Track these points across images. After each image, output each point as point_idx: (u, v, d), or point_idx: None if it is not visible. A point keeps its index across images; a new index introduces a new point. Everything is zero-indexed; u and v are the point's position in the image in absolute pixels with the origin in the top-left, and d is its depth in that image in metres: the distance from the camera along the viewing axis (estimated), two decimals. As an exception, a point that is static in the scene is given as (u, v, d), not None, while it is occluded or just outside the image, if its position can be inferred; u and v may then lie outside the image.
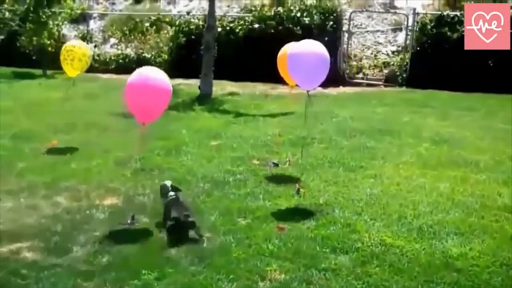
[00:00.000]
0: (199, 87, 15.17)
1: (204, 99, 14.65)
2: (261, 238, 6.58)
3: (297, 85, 8.62)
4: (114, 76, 18.06)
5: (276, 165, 9.21)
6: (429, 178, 8.62)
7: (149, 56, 20.53)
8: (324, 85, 14.19)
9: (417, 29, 17.85)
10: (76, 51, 10.29)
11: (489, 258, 6.13)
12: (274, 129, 11.46)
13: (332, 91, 15.98)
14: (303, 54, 7.74)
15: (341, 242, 6.47)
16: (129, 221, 6.91)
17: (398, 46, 19.48)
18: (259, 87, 16.37)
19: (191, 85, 15.96)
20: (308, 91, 8.19)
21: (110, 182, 8.38)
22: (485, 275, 5.81)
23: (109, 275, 5.76)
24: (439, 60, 16.59)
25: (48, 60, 18.95)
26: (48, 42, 19.77)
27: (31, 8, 19.47)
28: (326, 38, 15.75)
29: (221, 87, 15.89)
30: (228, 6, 22.15)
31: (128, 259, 6.11)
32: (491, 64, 15.62)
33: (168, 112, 12.79)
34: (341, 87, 17.05)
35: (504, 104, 13.80)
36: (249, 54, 17.61)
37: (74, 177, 8.61)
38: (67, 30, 22.95)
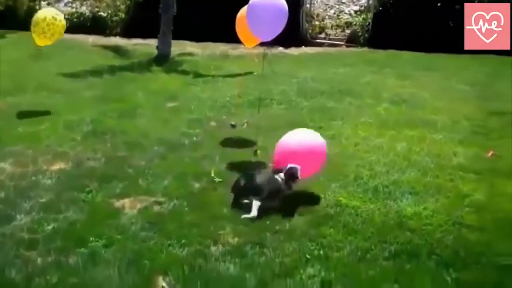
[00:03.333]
0: (157, 47, 14.77)
1: (162, 59, 14.28)
2: (215, 201, 6.47)
3: (257, 44, 8.43)
4: (67, 35, 17.54)
5: (234, 126, 9.07)
6: (387, 138, 8.57)
7: (105, 15, 19.70)
8: (286, 45, 14.08)
9: (380, -11, 17.63)
10: (57, 25, 9.64)
11: (442, 217, 6.13)
12: (233, 90, 11.26)
13: (293, 51, 15.80)
14: (262, 5, 7.56)
15: (296, 204, 6.39)
16: None
17: (361, 6, 19.29)
18: (220, 47, 16.08)
19: (149, 45, 15.59)
20: (265, 48, 7.97)
21: (59, 146, 8.10)
22: (438, 234, 5.81)
23: (54, 244, 5.60)
24: (401, 21, 16.44)
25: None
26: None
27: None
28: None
29: (181, 48, 15.55)
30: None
31: (74, 226, 5.94)
32: (451, 25, 15.54)
33: (123, 73, 12.66)
34: (303, 47, 16.84)
35: (463, 64, 13.77)
36: (211, 13, 17.21)
37: (20, 141, 8.24)
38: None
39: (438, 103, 10.40)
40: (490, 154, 7.86)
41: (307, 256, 5.41)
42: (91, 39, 16.91)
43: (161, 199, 6.54)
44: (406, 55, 15.18)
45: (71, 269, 5.20)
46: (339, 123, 9.32)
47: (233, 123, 9.16)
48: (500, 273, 5.11)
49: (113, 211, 6.27)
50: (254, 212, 6.13)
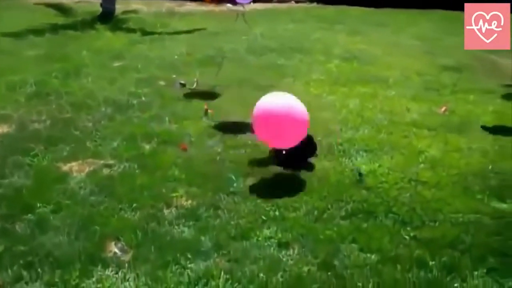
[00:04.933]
0: (101, 5, 14.28)
1: (106, 17, 13.81)
2: (167, 163, 6.29)
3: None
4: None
5: (184, 85, 8.84)
6: (339, 95, 8.50)
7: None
8: (234, 1, 13.85)
9: None
10: None
11: (397, 175, 6.07)
12: (181, 48, 11.01)
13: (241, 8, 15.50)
14: None
15: (250, 165, 6.26)
16: None
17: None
18: (166, 4, 15.70)
19: (93, 2, 15.09)
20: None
21: (1, 108, 7.73)
22: (394, 191, 5.75)
23: (-1, 210, 5.34)
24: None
25: None
26: None
27: None
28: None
29: (125, 5, 15.08)
30: None
31: (20, 192, 5.66)
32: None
33: (66, 31, 12.23)
34: (251, 3, 16.56)
35: (412, 19, 13.78)
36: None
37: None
38: None
39: (389, 59, 10.38)
40: (443, 109, 7.86)
41: (263, 217, 5.29)
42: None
43: (111, 162, 6.31)
44: (355, 10, 15.10)
45: (18, 237, 4.95)
46: (291, 80, 9.19)
47: (182, 82, 8.92)
48: (457, 230, 5.08)
49: (61, 175, 6.01)
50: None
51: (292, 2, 17.33)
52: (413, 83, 9.13)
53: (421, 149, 6.66)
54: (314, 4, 16.56)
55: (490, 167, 6.23)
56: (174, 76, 9.22)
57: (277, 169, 6.19)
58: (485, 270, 4.56)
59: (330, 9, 15.51)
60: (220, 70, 8.97)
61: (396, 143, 6.83)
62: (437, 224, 5.21)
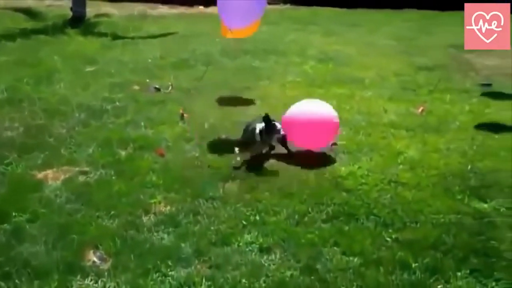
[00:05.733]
0: (71, 8, 14.11)
1: (77, 21, 13.66)
2: (144, 169, 6.18)
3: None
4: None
5: (158, 89, 8.74)
6: (316, 97, 8.38)
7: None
8: (207, 4, 13.76)
9: None
10: None
11: (377, 176, 6.05)
12: (155, 52, 10.92)
13: (214, 10, 15.37)
14: None
15: (229, 168, 6.18)
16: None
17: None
18: (138, 7, 15.57)
19: (63, 6, 14.90)
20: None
21: (-29, 116, 7.58)
22: (374, 193, 5.72)
23: (-28, 221, 5.19)
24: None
25: None
26: None
27: None
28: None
29: (96, 8, 14.93)
30: None
31: (-6, 201, 5.54)
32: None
33: (37, 36, 12.04)
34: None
35: (386, 19, 13.83)
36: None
37: None
38: None
39: (365, 59, 10.39)
40: (420, 110, 7.86)
41: (244, 222, 5.22)
42: (1, 1, 16.00)
43: (86, 169, 6.19)
44: (328, 11, 15.12)
45: (-6, 247, 4.84)
46: (266, 82, 9.14)
47: (157, 86, 8.82)
48: (439, 231, 5.06)
49: (36, 184, 5.88)
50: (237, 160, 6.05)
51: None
52: (389, 83, 9.14)
53: (400, 150, 6.64)
54: (288, 6, 16.53)
55: (469, 167, 6.23)
56: (148, 80, 9.11)
57: (257, 172, 6.12)
58: (468, 271, 4.55)
59: (303, 10, 15.51)
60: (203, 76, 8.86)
61: (375, 144, 6.81)
62: (418, 225, 5.18)
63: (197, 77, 9.19)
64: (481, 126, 7.37)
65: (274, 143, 6.49)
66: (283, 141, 6.44)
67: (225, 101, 8.22)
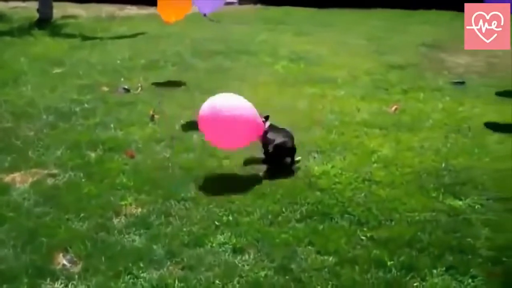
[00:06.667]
0: (38, 10, 13.86)
1: (44, 23, 13.40)
2: (114, 171, 6.08)
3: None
4: None
5: (128, 91, 8.62)
6: (288, 97, 8.41)
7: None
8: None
9: None
10: None
11: (351, 175, 6.01)
12: (124, 53, 10.76)
13: (184, 11, 15.31)
14: None
15: (200, 169, 6.10)
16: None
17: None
18: (105, 8, 15.37)
19: (29, 8, 14.66)
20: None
21: None
22: (348, 192, 5.67)
23: None
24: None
25: None
26: None
27: None
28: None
29: (62, 9, 14.69)
30: None
31: (-42, 205, 5.38)
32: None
33: (2, 38, 11.83)
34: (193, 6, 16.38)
35: (357, 19, 13.84)
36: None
37: None
38: None
39: (336, 59, 10.36)
40: (393, 108, 7.85)
41: (216, 223, 5.14)
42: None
43: (55, 171, 6.06)
44: (300, 11, 15.08)
45: (-39, 252, 4.70)
46: (238, 83, 9.05)
47: (126, 87, 8.69)
48: (414, 229, 5.03)
49: (3, 187, 5.74)
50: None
51: (236, 4, 17.23)
52: (362, 82, 9.12)
53: (373, 149, 6.61)
54: (259, 6, 16.46)
55: (443, 165, 6.22)
56: (117, 82, 8.97)
57: (229, 173, 6.04)
58: (444, 268, 4.52)
59: (274, 10, 15.46)
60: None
61: (348, 143, 6.77)
62: (393, 223, 5.15)
63: (167, 77, 9.09)
64: (454, 124, 7.37)
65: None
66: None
67: (195, 102, 8.11)
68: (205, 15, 8.31)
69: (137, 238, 4.93)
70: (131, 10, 15.63)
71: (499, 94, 8.59)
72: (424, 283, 4.38)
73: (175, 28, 11.68)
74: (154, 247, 4.78)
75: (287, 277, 4.45)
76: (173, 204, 5.44)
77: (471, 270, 4.50)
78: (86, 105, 7.98)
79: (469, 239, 4.88)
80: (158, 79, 9.08)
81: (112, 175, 5.97)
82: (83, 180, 5.90)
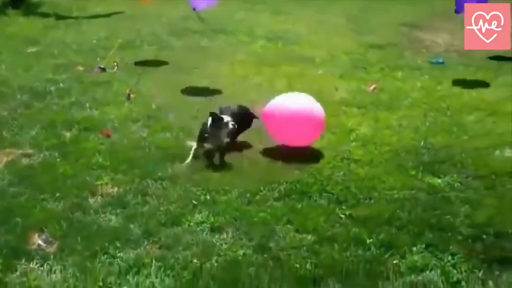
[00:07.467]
0: (13, -11, 13.62)
1: (18, 2, 13.11)
2: (90, 150, 6.00)
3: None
4: None
5: (104, 70, 8.49)
6: (266, 76, 8.36)
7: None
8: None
9: None
10: None
11: (330, 153, 5.99)
12: (100, 32, 10.60)
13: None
14: None
15: (177, 148, 6.02)
16: None
17: None
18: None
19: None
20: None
21: None
22: (327, 170, 5.65)
23: None
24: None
25: None
26: None
27: None
28: None
29: (37, -12, 14.44)
30: None
31: None
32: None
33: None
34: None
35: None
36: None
37: None
38: None
39: (315, 38, 10.32)
40: (372, 87, 7.83)
41: (194, 202, 5.09)
42: None
43: (30, 151, 5.97)
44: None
45: None
46: (215, 62, 8.97)
47: (102, 66, 8.56)
48: (393, 207, 5.02)
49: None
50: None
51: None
52: (340, 61, 9.10)
53: (351, 128, 6.60)
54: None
55: (422, 143, 6.23)
56: (92, 61, 8.83)
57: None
58: (423, 246, 4.52)
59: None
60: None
61: (327, 122, 6.69)
62: (372, 201, 5.14)
63: (143, 57, 8.96)
64: (433, 103, 7.37)
65: (225, 138, 5.95)
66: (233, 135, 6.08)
67: (172, 81, 8.03)
68: (194, 9, 8.18)
69: (113, 217, 4.86)
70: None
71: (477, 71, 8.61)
72: (403, 261, 4.36)
73: (151, 7, 11.51)
74: (131, 226, 4.72)
75: (265, 255, 4.41)
76: (150, 184, 5.37)
77: (451, 247, 4.50)
78: (61, 85, 7.87)
79: (448, 217, 4.89)
80: (134, 58, 8.95)
81: (88, 155, 5.89)
82: (58, 160, 5.81)
